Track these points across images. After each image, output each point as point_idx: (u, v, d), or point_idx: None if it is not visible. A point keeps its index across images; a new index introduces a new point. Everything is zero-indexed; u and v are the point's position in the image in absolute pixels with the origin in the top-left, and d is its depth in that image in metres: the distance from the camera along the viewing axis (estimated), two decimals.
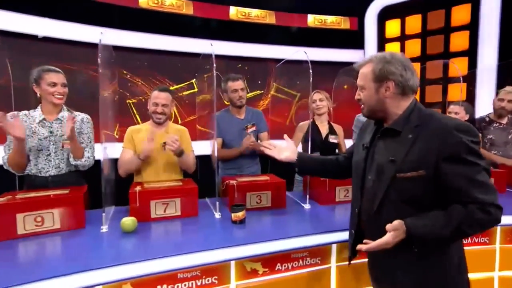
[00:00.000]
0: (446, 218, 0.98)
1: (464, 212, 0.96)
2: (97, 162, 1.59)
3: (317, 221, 1.70)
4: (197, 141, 2.31)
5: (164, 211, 1.64)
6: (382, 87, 1.08)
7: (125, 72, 3.51)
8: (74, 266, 1.14)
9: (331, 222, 1.71)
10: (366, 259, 1.34)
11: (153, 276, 1.21)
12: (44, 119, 1.73)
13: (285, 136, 1.52)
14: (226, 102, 2.44)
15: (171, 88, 3.68)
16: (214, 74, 1.64)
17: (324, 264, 1.55)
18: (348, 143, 2.62)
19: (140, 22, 3.47)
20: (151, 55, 3.57)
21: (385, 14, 4.17)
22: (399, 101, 1.09)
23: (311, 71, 1.84)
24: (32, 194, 1.51)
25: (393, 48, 4.28)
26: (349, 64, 4.06)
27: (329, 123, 2.54)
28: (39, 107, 1.76)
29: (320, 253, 1.53)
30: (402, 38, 4.20)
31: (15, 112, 1.67)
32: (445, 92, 3.85)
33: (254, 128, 2.34)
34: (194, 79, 3.78)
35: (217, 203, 1.72)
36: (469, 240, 1.78)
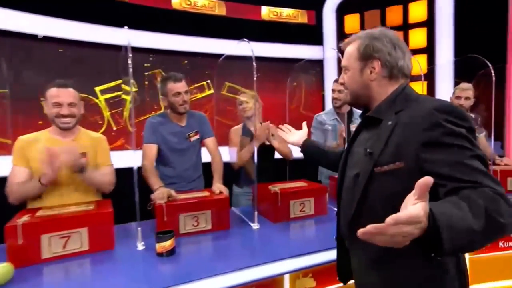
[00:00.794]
0: (468, 204, 0.69)
1: (478, 194, 0.71)
2: None
3: (265, 246, 1.45)
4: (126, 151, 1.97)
5: (63, 247, 1.28)
6: (367, 67, 0.96)
7: None
8: None
9: (283, 246, 1.46)
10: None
11: None
12: None
13: (304, 123, 1.58)
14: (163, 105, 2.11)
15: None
16: (130, 69, 1.34)
17: None
18: None
19: None
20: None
21: (344, 8, 4.10)
22: (385, 85, 0.96)
23: (254, 63, 1.60)
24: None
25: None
26: (308, 60, 3.94)
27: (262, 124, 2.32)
28: None
29: (268, 286, 1.29)
30: None
31: None
32: None
33: (197, 136, 2.07)
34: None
35: (139, 229, 1.40)
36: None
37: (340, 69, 2.54)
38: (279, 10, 4.22)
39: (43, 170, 1.43)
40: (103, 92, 3.24)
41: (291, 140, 1.52)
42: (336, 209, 1.11)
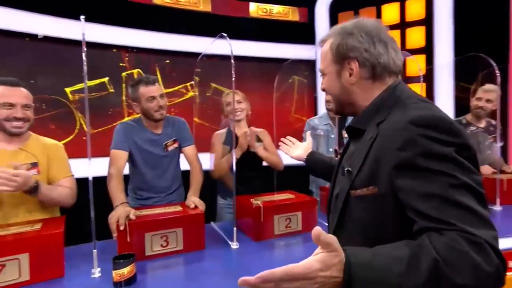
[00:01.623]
0: (412, 253, 0.58)
1: (440, 241, 0.58)
2: None
3: (243, 269, 1.31)
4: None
5: None
6: (345, 70, 0.83)
7: None
8: None
9: (265, 268, 1.31)
10: None
11: None
12: None
13: (308, 132, 1.54)
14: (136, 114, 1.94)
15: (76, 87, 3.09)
16: (85, 67, 1.19)
17: None
18: None
19: None
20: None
21: (338, 5, 4.00)
22: (369, 88, 0.83)
23: (233, 61, 1.46)
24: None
25: None
26: (299, 60, 3.84)
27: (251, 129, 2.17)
28: None
29: None
30: None
31: None
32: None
33: (176, 145, 1.92)
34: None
35: (95, 252, 1.23)
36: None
37: None
38: (269, 7, 4.11)
39: None
40: (74, 92, 3.09)
41: (295, 154, 1.41)
42: (327, 224, 0.97)
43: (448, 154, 0.64)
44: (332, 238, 0.57)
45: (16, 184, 1.25)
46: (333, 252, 0.56)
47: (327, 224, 0.97)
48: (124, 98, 3.34)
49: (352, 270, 0.56)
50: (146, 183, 1.86)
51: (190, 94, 3.63)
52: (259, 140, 2.06)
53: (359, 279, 0.56)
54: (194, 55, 3.30)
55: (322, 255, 0.56)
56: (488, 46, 2.90)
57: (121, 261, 1.14)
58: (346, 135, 2.02)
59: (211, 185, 2.15)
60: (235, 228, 1.54)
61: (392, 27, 3.79)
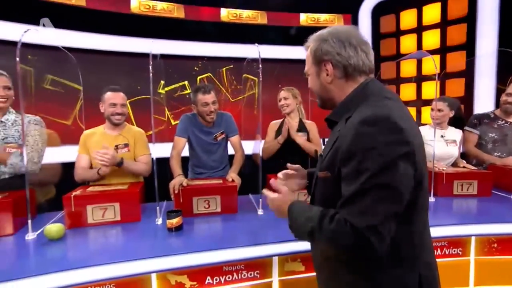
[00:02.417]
0: (320, 214, 0.78)
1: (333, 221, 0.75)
2: None
3: (262, 230, 1.48)
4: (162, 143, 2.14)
5: (102, 216, 1.49)
6: (322, 71, 0.87)
7: None
8: None
9: (278, 231, 1.47)
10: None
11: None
12: None
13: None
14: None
15: (166, 89, 3.57)
16: (151, 74, 1.46)
17: (264, 278, 1.34)
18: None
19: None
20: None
21: (380, 10, 3.77)
22: (343, 86, 0.86)
23: (260, 65, 1.60)
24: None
25: (388, 44, 3.87)
26: None
27: (300, 120, 2.27)
28: None
29: (258, 266, 1.32)
30: (397, 33, 3.78)
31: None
32: (432, 89, 3.42)
33: (223, 136, 2.14)
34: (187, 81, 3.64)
35: (158, 208, 1.55)
36: (439, 251, 1.49)
37: None
38: (317, 16, 4.06)
39: (99, 165, 1.67)
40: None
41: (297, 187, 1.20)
42: None
43: (377, 151, 0.69)
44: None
45: (107, 160, 1.63)
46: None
47: None
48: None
49: (291, 206, 0.88)
50: (200, 162, 2.14)
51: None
52: (300, 130, 2.16)
53: (290, 211, 0.87)
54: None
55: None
56: None
57: (172, 214, 1.41)
58: None
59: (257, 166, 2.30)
60: (261, 200, 1.71)
61: (433, 26, 3.43)
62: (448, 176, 1.91)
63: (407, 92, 3.76)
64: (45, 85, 3.07)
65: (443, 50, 3.41)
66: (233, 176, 1.84)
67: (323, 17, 4.06)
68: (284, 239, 1.33)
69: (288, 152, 2.15)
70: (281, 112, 2.26)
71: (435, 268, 0.85)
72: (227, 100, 3.85)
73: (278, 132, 2.24)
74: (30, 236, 1.35)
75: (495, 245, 1.49)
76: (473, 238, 1.50)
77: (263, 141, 2.27)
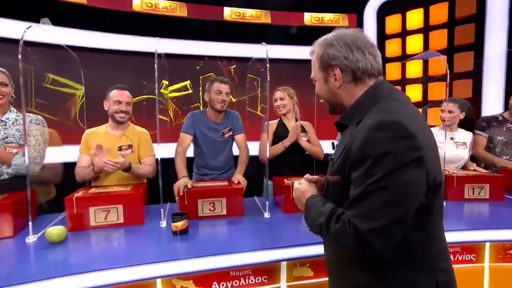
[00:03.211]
0: (330, 211, 0.80)
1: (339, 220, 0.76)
2: None
3: (270, 233, 1.44)
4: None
5: (105, 219, 1.45)
6: (330, 76, 0.86)
7: None
8: None
9: (286, 235, 1.43)
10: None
11: None
12: None
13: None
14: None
15: (169, 89, 3.53)
16: (156, 73, 1.43)
17: (272, 283, 1.30)
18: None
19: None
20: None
21: (385, 10, 3.74)
22: (352, 90, 0.84)
23: (268, 65, 1.57)
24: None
25: (394, 44, 3.84)
26: None
27: (296, 121, 2.22)
28: None
29: (266, 271, 1.28)
30: (403, 34, 3.74)
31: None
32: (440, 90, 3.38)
33: (230, 133, 2.12)
34: (189, 81, 3.61)
35: (162, 210, 1.51)
36: (451, 257, 1.45)
37: None
38: (321, 16, 4.03)
39: (94, 162, 1.64)
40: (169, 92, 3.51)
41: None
42: None
43: (383, 157, 0.68)
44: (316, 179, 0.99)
45: (118, 167, 1.61)
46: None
47: None
48: (200, 94, 3.67)
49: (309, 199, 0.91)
50: (205, 162, 2.09)
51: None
52: (303, 131, 2.12)
53: (306, 203, 0.90)
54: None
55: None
56: None
57: (177, 217, 1.37)
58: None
59: (259, 167, 2.27)
60: (267, 202, 1.68)
61: (440, 26, 3.39)
62: (459, 179, 1.87)
63: (413, 93, 3.72)
64: (45, 84, 3.04)
65: (450, 51, 3.37)
66: (238, 177, 1.80)
67: (327, 16, 4.03)
68: (293, 244, 1.30)
69: (289, 153, 2.11)
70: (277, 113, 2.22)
71: (452, 274, 0.84)
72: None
73: (276, 133, 2.21)
74: (31, 239, 1.31)
75: (511, 251, 1.45)
76: (487, 244, 1.46)
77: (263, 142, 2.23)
